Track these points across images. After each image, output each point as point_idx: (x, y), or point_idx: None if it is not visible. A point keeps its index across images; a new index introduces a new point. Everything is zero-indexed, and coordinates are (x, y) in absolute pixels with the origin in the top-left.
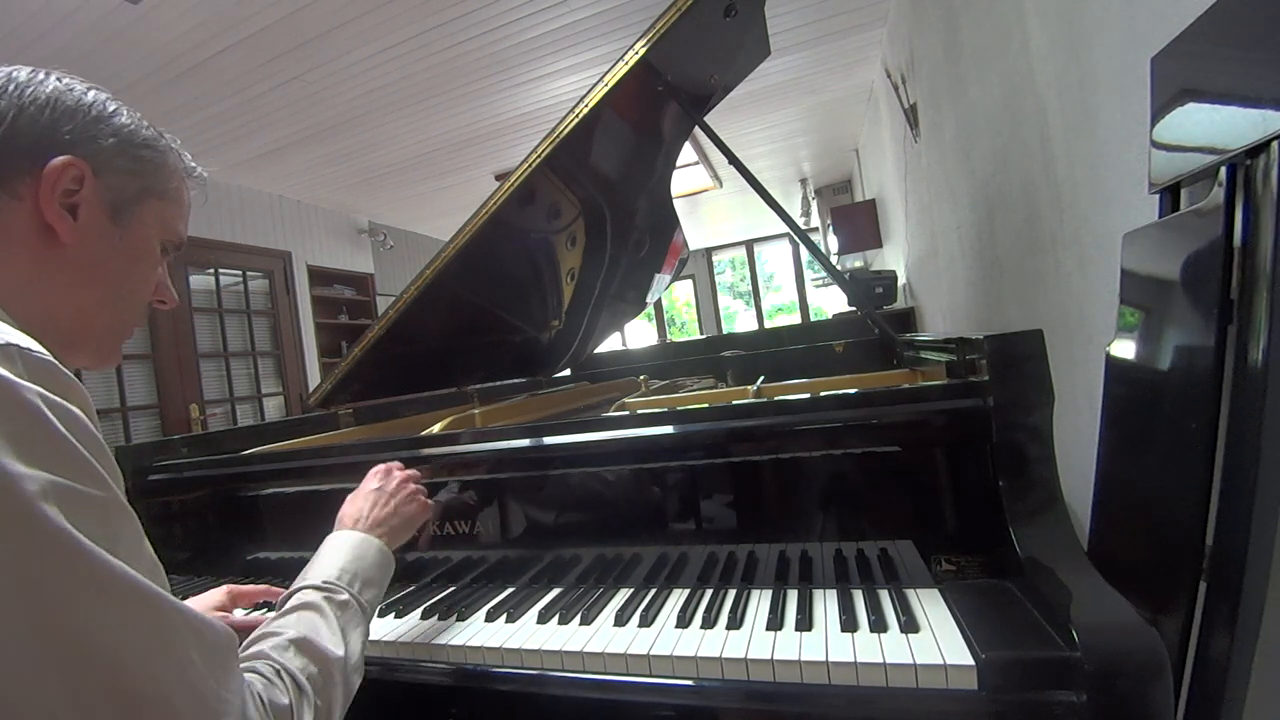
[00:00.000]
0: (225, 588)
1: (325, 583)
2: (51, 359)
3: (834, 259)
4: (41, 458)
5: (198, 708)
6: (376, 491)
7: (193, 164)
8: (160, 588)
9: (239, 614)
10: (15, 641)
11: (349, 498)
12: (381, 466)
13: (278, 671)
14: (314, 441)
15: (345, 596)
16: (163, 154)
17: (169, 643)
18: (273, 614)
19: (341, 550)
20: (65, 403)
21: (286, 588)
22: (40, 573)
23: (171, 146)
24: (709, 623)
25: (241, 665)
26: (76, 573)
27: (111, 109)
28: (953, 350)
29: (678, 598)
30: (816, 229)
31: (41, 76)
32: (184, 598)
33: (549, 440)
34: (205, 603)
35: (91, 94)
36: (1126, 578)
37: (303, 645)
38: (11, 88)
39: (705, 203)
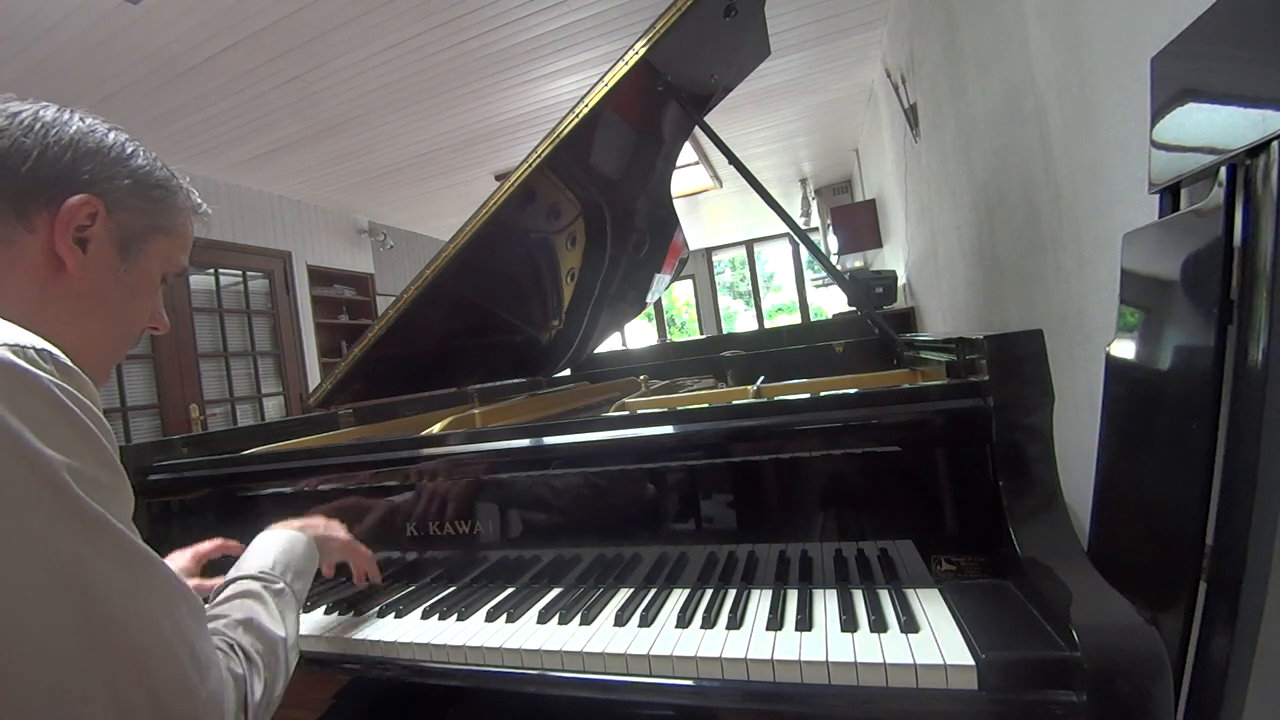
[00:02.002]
0: (190, 551)
1: (262, 572)
2: (70, 363)
3: (834, 259)
4: (68, 445)
5: (194, 662)
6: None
7: (199, 200)
8: None
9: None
10: (52, 611)
11: None
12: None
13: (231, 646)
14: (314, 441)
15: (280, 585)
16: (173, 194)
17: (170, 606)
18: (214, 599)
19: (274, 544)
20: (80, 395)
21: None
22: (67, 539)
23: (181, 185)
24: (709, 623)
25: None
26: (99, 540)
27: (130, 150)
28: (953, 350)
29: (678, 598)
30: (816, 229)
31: (66, 116)
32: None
33: (549, 440)
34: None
35: (112, 135)
36: (1126, 578)
37: (249, 625)
38: (38, 126)
39: (705, 203)
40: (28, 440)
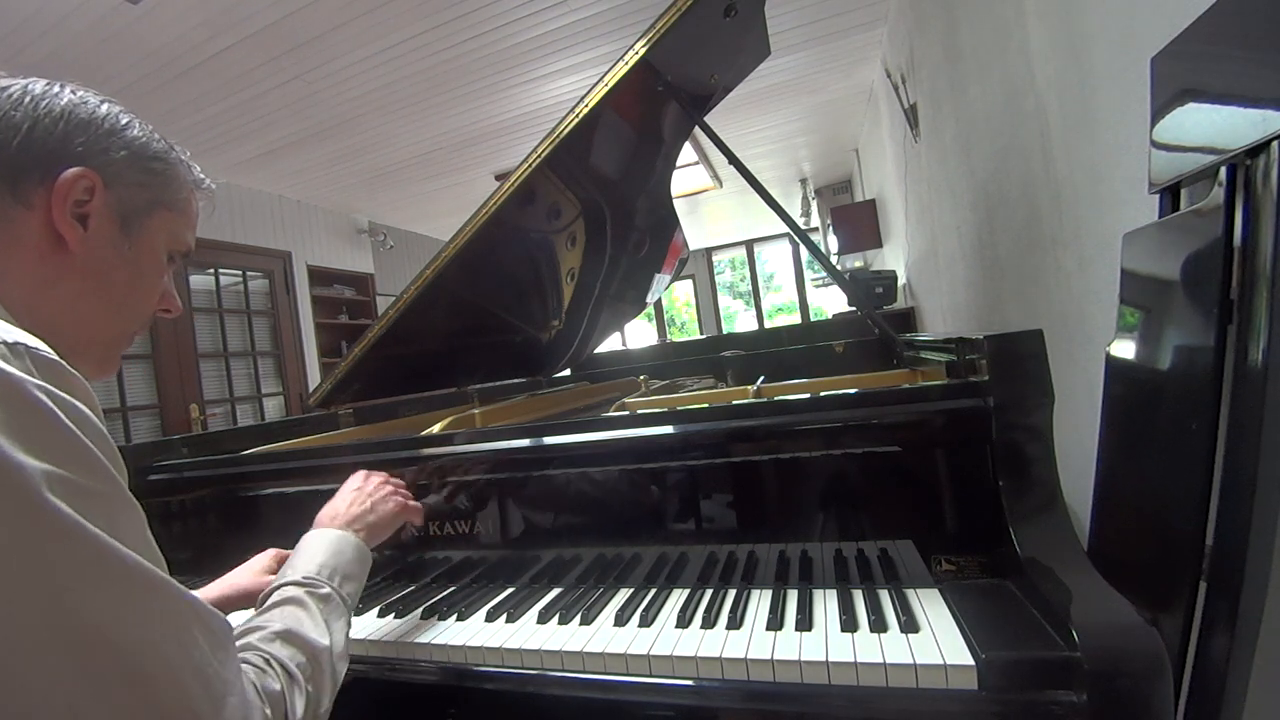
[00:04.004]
0: (273, 551)
1: (306, 578)
2: (57, 358)
3: (834, 259)
4: (47, 451)
5: (205, 688)
6: (355, 491)
7: (201, 175)
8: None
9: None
10: (28, 629)
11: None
12: (361, 472)
13: (267, 660)
14: (314, 441)
15: (326, 590)
16: (173, 166)
17: (177, 626)
18: (259, 608)
19: (319, 547)
20: (70, 398)
21: None
22: (50, 559)
23: (181, 159)
24: (709, 623)
25: None
26: (85, 559)
27: (124, 122)
28: (953, 350)
29: (678, 598)
30: (816, 229)
31: (56, 89)
32: (222, 574)
33: (549, 440)
34: (253, 567)
35: (105, 107)
36: (1126, 578)
37: (289, 636)
38: (27, 100)
39: (705, 203)
40: None
